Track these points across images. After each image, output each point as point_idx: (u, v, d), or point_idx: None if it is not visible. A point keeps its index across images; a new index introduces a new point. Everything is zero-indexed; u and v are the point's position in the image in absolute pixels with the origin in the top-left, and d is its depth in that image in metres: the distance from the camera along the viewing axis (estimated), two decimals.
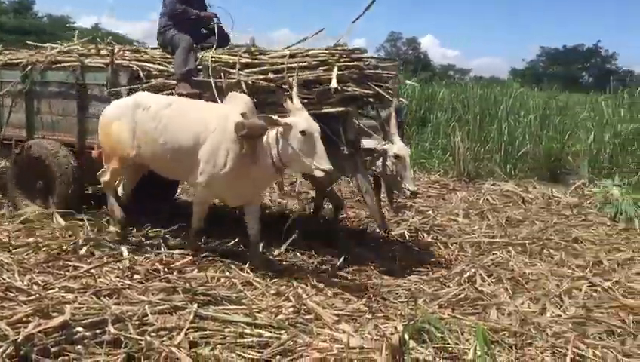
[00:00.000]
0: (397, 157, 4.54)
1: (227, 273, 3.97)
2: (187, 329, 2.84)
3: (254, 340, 2.80)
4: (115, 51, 5.08)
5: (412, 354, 2.59)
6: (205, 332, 2.87)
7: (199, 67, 4.89)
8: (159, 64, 5.07)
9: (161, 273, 3.87)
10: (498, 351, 2.84)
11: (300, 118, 3.81)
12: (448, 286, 4.08)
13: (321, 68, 4.54)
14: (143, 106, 4.32)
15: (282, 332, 2.92)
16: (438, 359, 2.63)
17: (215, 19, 5.31)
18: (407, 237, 5.49)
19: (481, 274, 4.30)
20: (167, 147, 4.19)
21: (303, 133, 3.73)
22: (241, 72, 4.72)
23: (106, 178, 4.61)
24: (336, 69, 4.38)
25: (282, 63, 4.65)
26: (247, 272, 3.97)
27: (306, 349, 2.69)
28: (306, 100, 4.31)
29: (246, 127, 3.85)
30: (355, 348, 2.61)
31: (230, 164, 3.99)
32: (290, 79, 4.23)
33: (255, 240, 4.30)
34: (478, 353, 2.45)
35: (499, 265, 4.66)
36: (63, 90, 5.32)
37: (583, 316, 3.48)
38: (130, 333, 2.72)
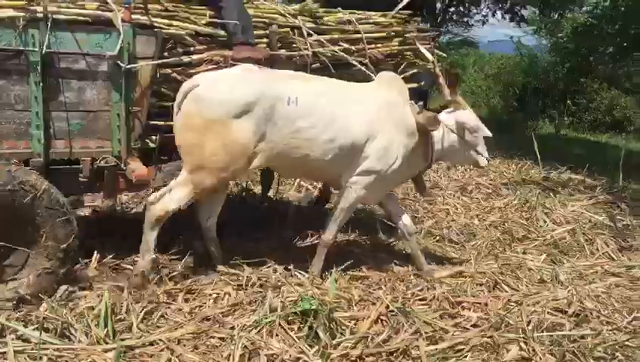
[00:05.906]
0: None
1: None
2: None
3: None
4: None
5: None
6: None
7: None
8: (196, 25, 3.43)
9: None
10: None
11: (467, 108, 3.68)
12: None
13: (396, 39, 4.18)
14: (285, 98, 3.14)
15: None
16: None
17: None
18: None
19: None
20: (332, 146, 3.27)
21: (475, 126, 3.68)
22: (311, 41, 3.82)
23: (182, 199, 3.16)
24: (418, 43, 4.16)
25: (352, 31, 4.02)
26: None
27: None
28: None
29: (436, 122, 3.45)
30: None
31: (400, 161, 3.48)
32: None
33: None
34: None
35: None
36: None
37: None
38: None
